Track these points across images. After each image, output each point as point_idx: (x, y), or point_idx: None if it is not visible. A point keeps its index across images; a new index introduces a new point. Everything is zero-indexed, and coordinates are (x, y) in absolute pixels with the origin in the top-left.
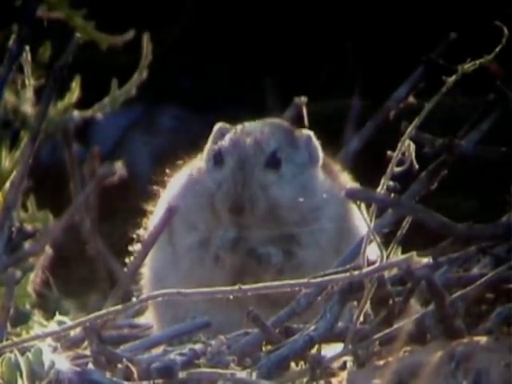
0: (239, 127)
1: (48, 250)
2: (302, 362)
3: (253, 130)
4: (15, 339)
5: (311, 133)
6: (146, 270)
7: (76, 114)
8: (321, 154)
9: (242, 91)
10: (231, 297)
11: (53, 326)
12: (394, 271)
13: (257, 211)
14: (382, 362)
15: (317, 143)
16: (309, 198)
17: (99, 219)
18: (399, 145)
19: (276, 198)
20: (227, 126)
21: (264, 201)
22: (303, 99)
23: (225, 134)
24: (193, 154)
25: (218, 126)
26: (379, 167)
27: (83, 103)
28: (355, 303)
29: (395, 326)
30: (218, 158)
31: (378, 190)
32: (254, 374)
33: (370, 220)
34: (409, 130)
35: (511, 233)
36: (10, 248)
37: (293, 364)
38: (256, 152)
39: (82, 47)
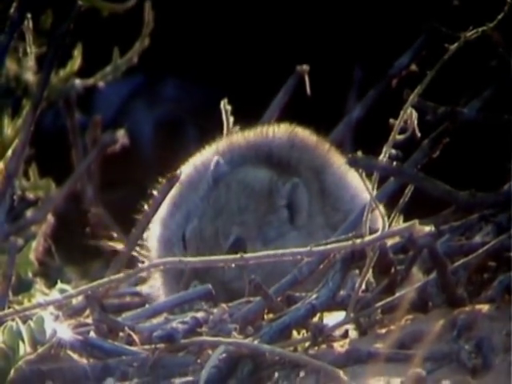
0: (211, 201)
1: (50, 218)
2: (303, 331)
3: (219, 209)
4: (17, 307)
5: (297, 181)
6: (153, 241)
7: (78, 82)
8: (305, 203)
9: (245, 61)
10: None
11: (55, 295)
12: (396, 239)
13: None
14: (384, 331)
15: (302, 192)
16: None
17: (101, 187)
18: (401, 113)
19: (237, 290)
20: (224, 166)
21: (224, 294)
22: (305, 67)
23: (218, 176)
24: (195, 123)
25: (216, 160)
26: (381, 135)
27: (85, 71)
28: (357, 272)
29: (397, 294)
30: (183, 243)
31: (380, 158)
32: (256, 342)
33: (372, 188)
34: (411, 97)
35: None
36: (11, 216)
37: (295, 332)
38: (215, 244)
39: (84, 14)
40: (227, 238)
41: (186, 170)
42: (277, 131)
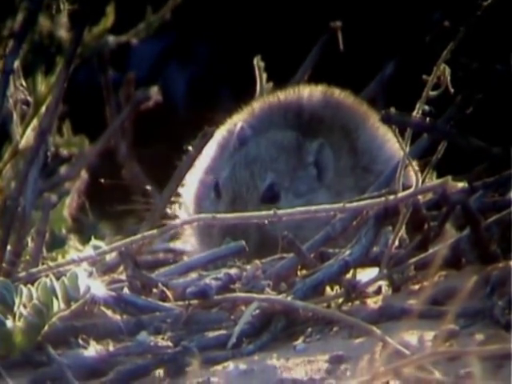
0: (242, 154)
1: (84, 174)
2: (337, 287)
3: (252, 158)
4: (51, 264)
5: (323, 141)
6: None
7: (111, 39)
8: (331, 163)
9: (278, 18)
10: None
11: (88, 251)
12: (430, 196)
13: (251, 247)
14: (417, 287)
15: (329, 152)
16: (310, 228)
17: (135, 144)
18: (435, 69)
19: (271, 235)
20: (249, 130)
21: (258, 238)
22: (338, 23)
23: (244, 139)
24: (228, 80)
25: (240, 126)
26: (414, 92)
27: (119, 28)
28: (390, 228)
29: (430, 250)
30: (216, 191)
31: (414, 114)
32: (290, 299)
33: (405, 145)
34: (444, 53)
35: None
36: (45, 173)
37: (328, 289)
38: (249, 188)
39: None
40: (263, 181)
41: (218, 134)
42: (311, 90)
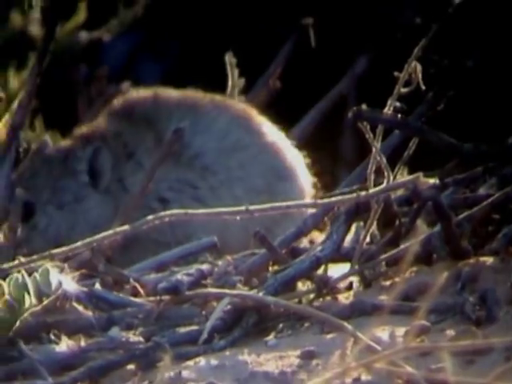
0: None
1: None
2: (308, 283)
3: (17, 176)
4: (23, 259)
5: (98, 145)
6: None
7: (83, 35)
8: (108, 166)
9: (250, 15)
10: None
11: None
12: (401, 192)
13: None
14: (388, 283)
15: (104, 155)
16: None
17: None
18: (406, 66)
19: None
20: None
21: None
22: (309, 20)
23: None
24: (200, 78)
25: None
26: (386, 89)
27: (91, 24)
28: (362, 224)
29: (402, 246)
30: None
31: (385, 111)
32: (261, 294)
33: (377, 141)
34: (416, 50)
35: None
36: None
37: (299, 284)
38: (7, 211)
39: None
40: (17, 202)
41: None
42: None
